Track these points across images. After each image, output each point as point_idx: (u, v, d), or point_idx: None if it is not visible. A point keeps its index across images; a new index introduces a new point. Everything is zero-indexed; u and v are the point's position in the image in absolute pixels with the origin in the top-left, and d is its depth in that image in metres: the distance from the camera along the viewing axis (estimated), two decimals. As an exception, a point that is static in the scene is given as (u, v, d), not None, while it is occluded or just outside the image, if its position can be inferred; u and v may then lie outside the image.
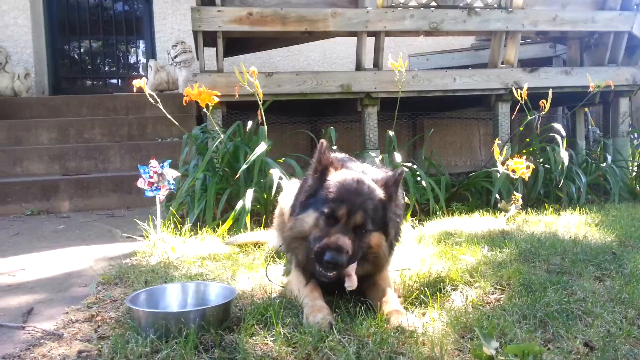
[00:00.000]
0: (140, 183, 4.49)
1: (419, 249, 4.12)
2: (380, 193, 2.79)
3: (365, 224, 2.66)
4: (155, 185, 4.50)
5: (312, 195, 2.82)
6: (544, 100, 5.70)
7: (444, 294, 2.96)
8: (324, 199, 2.72)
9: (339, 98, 6.88)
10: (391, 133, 6.39)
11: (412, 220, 5.42)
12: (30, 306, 3.01)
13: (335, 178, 2.80)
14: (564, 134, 6.60)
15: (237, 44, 7.41)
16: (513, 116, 6.29)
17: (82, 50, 12.02)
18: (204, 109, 5.17)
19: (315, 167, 2.92)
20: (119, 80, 11.99)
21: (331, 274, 2.61)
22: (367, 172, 2.99)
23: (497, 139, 5.51)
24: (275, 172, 5.38)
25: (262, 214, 5.58)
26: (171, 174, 4.54)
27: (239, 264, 3.84)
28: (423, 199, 6.14)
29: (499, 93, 7.21)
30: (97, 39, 11.99)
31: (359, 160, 3.34)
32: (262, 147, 5.44)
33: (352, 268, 2.68)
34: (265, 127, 5.70)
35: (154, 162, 4.53)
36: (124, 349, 2.27)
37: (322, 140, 2.93)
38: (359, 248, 2.68)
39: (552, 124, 6.79)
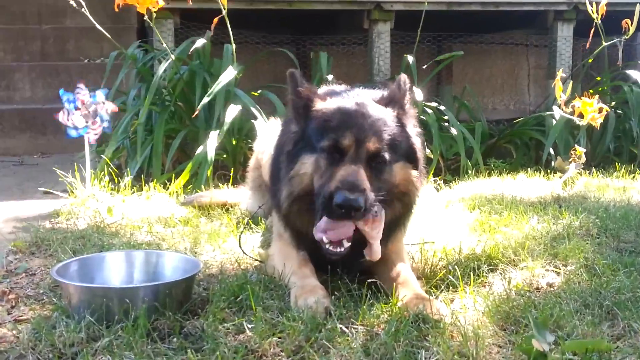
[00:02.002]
0: (62, 117, 4.46)
1: (446, 218, 4.19)
2: (390, 112, 2.88)
3: (382, 152, 2.73)
4: (84, 121, 4.47)
5: (301, 138, 2.87)
6: (627, 20, 5.63)
7: (478, 275, 3.03)
8: (319, 132, 2.78)
9: (338, 9, 6.85)
10: (410, 59, 6.38)
11: (436, 181, 5.52)
12: None
13: (326, 106, 2.87)
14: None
15: None
16: (587, 45, 6.21)
17: None
18: (147, 19, 5.09)
19: (292, 105, 2.97)
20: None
21: (342, 250, 2.67)
22: (364, 95, 3.05)
23: (560, 70, 5.49)
24: (234, 109, 5.31)
25: (229, 166, 5.61)
26: (107, 107, 4.52)
27: (201, 231, 3.88)
28: (451, 152, 6.19)
29: (559, 9, 7.23)
30: None
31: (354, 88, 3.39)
32: (229, 74, 5.43)
33: (375, 228, 2.72)
34: (234, 45, 5.69)
35: (82, 88, 4.48)
36: (49, 335, 2.32)
37: (290, 70, 2.95)
38: (379, 188, 2.72)
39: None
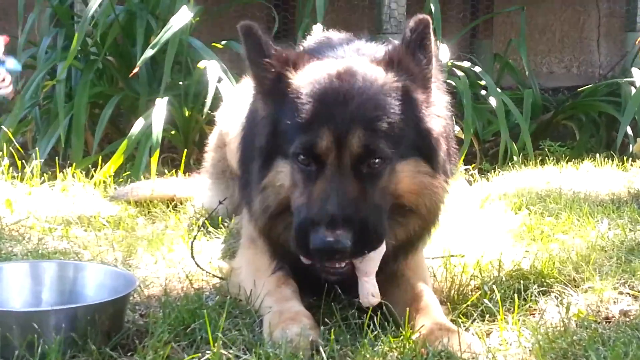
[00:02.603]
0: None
1: (481, 221, 4.17)
2: (391, 79, 2.80)
3: (374, 150, 2.67)
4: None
5: (274, 131, 2.84)
6: None
7: (525, 299, 3.02)
8: (290, 127, 2.75)
9: None
10: (433, 4, 6.30)
11: (468, 171, 5.50)
12: None
13: (302, 82, 2.81)
14: None
15: None
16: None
17: None
18: None
19: (257, 78, 2.91)
20: None
21: (342, 267, 2.66)
22: (363, 51, 3.03)
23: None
24: (211, 67, 5.35)
25: (179, 146, 5.60)
26: (8, 63, 4.51)
27: (138, 236, 3.86)
28: (489, 131, 6.16)
29: None
30: None
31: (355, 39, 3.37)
32: (182, 17, 5.38)
33: (368, 259, 2.70)
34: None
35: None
36: None
37: (243, 24, 2.89)
38: (376, 202, 2.69)
39: None
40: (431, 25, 2.83)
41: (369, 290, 2.72)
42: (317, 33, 3.52)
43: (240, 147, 3.32)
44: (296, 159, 2.71)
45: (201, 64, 5.37)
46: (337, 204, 2.57)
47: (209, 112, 5.22)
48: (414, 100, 2.80)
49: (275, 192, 2.82)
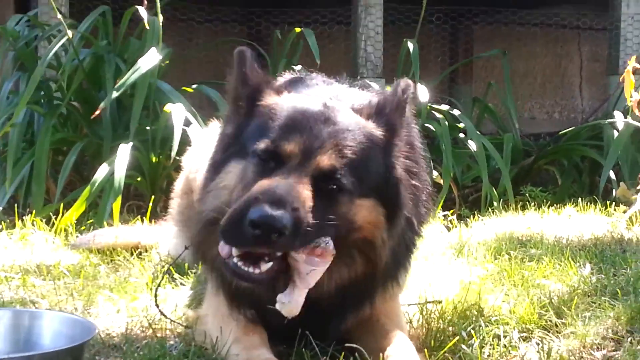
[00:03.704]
0: None
1: (459, 267, 4.17)
2: (371, 127, 2.83)
3: (339, 173, 2.67)
4: None
5: (235, 141, 2.88)
6: None
7: (505, 345, 3.00)
8: (258, 132, 2.77)
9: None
10: (411, 45, 6.42)
11: (447, 217, 5.49)
12: None
13: (278, 102, 2.86)
14: None
15: None
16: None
17: None
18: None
19: (233, 94, 2.96)
20: None
21: (257, 272, 2.56)
22: (343, 97, 3.04)
23: (632, 59, 5.48)
24: (177, 110, 5.35)
25: (146, 193, 5.57)
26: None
27: (100, 285, 3.84)
28: (469, 177, 6.16)
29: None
30: None
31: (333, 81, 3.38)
32: (151, 58, 5.42)
33: (312, 263, 2.63)
34: (161, 19, 5.64)
35: None
36: None
37: (240, 48, 2.95)
38: (326, 219, 2.64)
39: None
40: (408, 93, 2.91)
41: (298, 301, 2.64)
42: (288, 74, 3.50)
43: (204, 174, 3.26)
44: (255, 155, 2.71)
45: (167, 108, 5.34)
46: (287, 191, 2.56)
47: (177, 157, 5.18)
48: (390, 152, 2.85)
49: (217, 195, 2.81)
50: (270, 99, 2.87)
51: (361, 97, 3.07)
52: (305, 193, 2.58)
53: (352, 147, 2.72)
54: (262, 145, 2.68)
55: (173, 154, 5.18)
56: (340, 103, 2.91)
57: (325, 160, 2.66)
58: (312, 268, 2.63)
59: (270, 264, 2.59)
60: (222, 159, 2.87)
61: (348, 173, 2.68)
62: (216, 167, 2.88)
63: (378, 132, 2.83)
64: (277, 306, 2.66)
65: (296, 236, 2.52)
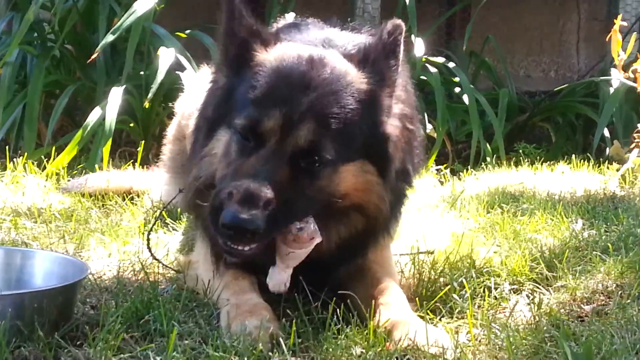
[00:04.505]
0: None
1: (451, 220, 4.21)
2: (358, 78, 2.83)
3: (319, 148, 2.69)
4: None
5: (226, 100, 2.89)
6: None
7: (496, 297, 3.05)
8: (244, 99, 2.79)
9: None
10: (408, -5, 6.41)
11: (440, 171, 5.53)
12: None
13: (267, 58, 2.86)
14: None
15: None
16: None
17: None
18: None
19: (223, 44, 2.97)
20: None
21: (244, 249, 2.63)
22: (335, 42, 3.04)
23: (618, 17, 5.48)
24: (168, 54, 5.35)
25: (137, 139, 5.61)
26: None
27: (92, 228, 3.85)
28: (462, 132, 6.17)
29: None
30: None
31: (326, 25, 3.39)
32: (146, 2, 5.37)
33: (293, 248, 2.69)
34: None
35: None
36: None
37: None
38: (306, 197, 2.70)
39: None
40: (404, 33, 2.88)
41: (283, 280, 2.75)
42: (287, 19, 3.51)
43: (194, 124, 3.32)
44: (237, 130, 2.73)
45: (161, 52, 5.33)
46: (260, 183, 2.58)
47: (168, 101, 5.19)
48: (378, 105, 2.84)
49: (210, 162, 2.84)
50: (257, 57, 2.86)
51: (352, 41, 3.07)
52: (281, 178, 2.62)
53: (335, 115, 2.73)
54: (242, 121, 2.71)
55: (150, 94, 5.18)
56: (330, 52, 2.91)
57: (303, 137, 2.67)
58: (291, 250, 2.69)
59: (247, 246, 2.65)
60: (214, 120, 2.89)
61: (331, 142, 2.70)
62: (208, 127, 2.90)
63: (364, 85, 2.82)
64: (267, 279, 2.77)
65: (271, 230, 2.59)
